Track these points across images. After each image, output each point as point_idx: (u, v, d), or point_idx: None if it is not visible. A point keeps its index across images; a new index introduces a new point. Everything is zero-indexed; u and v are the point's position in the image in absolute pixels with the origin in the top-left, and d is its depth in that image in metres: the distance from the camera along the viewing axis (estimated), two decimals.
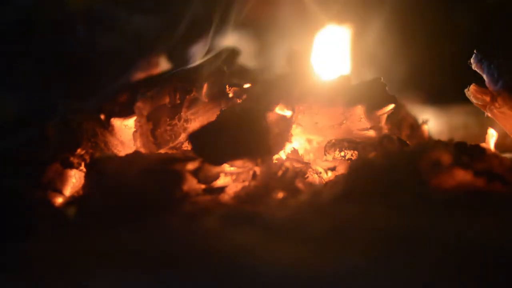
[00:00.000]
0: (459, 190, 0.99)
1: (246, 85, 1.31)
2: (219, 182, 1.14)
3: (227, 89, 1.28)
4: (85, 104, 1.32)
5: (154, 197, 1.05)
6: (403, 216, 0.90)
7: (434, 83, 1.92)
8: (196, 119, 1.25)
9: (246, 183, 1.12)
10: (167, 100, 1.25)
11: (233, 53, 1.41)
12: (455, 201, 0.96)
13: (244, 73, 1.40)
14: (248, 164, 1.10)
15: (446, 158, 1.02)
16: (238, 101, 1.27)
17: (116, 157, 1.20)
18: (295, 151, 1.27)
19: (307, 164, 1.22)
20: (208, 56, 1.46)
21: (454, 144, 1.12)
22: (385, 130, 1.30)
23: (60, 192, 1.18)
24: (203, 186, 1.10)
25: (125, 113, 1.28)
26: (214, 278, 0.73)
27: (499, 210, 0.95)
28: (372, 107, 1.24)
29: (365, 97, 1.25)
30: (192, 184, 1.09)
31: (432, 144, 1.12)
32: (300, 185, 1.13)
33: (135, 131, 1.26)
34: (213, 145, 1.09)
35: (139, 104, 1.25)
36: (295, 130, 1.29)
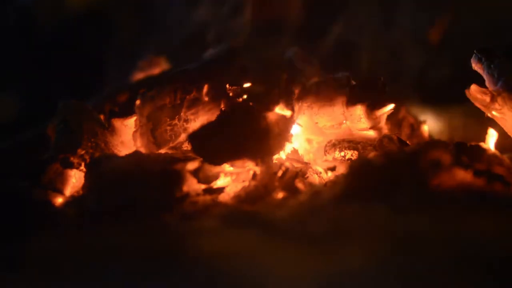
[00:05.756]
0: (459, 190, 0.99)
1: (246, 85, 1.31)
2: (219, 182, 1.14)
3: (227, 89, 1.28)
4: (85, 104, 1.32)
5: (154, 197, 1.05)
6: (403, 216, 0.90)
7: (434, 83, 1.92)
8: (196, 119, 1.25)
9: (246, 183, 1.12)
10: (167, 100, 1.25)
11: (233, 53, 1.41)
12: (455, 201, 0.96)
13: (244, 73, 1.40)
14: (248, 164, 1.10)
15: (446, 158, 1.02)
16: (238, 101, 1.27)
17: (116, 157, 1.20)
18: (295, 151, 1.27)
19: (307, 164, 1.22)
20: (209, 56, 1.46)
21: (454, 144, 1.12)
22: (385, 130, 1.30)
23: (60, 192, 1.17)
24: (203, 186, 1.10)
25: (125, 113, 1.28)
26: (214, 278, 0.73)
27: (499, 210, 0.95)
28: (372, 107, 1.24)
29: (365, 97, 1.25)
30: (192, 184, 1.09)
31: (432, 144, 1.12)
32: (300, 185, 1.13)
33: (135, 131, 1.26)
34: (213, 145, 1.09)
35: (139, 104, 1.25)
36: (295, 130, 1.29)
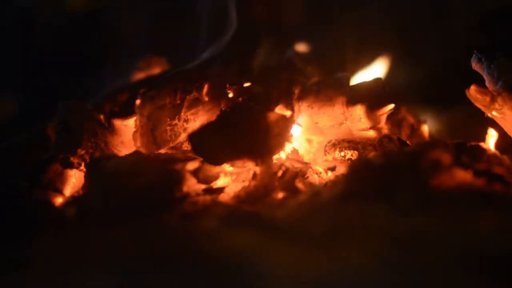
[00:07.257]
0: (459, 190, 0.99)
1: (246, 85, 1.31)
2: (219, 182, 1.14)
3: (227, 89, 1.28)
4: (85, 104, 1.32)
5: (154, 197, 1.05)
6: (403, 216, 0.90)
7: (434, 83, 1.92)
8: (196, 119, 1.25)
9: (246, 183, 1.12)
10: (167, 100, 1.25)
11: (233, 52, 1.41)
12: (455, 201, 0.96)
13: (244, 73, 1.40)
14: (248, 164, 1.10)
15: (446, 158, 1.02)
16: (238, 100, 1.27)
17: (116, 157, 1.20)
18: (295, 151, 1.27)
19: (307, 164, 1.22)
20: (209, 56, 1.46)
21: (454, 144, 1.12)
22: (385, 130, 1.30)
23: (60, 192, 1.18)
24: (203, 186, 1.10)
25: (125, 113, 1.28)
26: (214, 278, 0.73)
27: (499, 210, 0.95)
28: (372, 107, 1.24)
29: (365, 97, 1.25)
30: (192, 184, 1.09)
31: (432, 144, 1.12)
32: (300, 185, 1.13)
33: (135, 131, 1.26)
34: (213, 145, 1.09)
35: (139, 104, 1.25)
36: (295, 130, 1.29)
